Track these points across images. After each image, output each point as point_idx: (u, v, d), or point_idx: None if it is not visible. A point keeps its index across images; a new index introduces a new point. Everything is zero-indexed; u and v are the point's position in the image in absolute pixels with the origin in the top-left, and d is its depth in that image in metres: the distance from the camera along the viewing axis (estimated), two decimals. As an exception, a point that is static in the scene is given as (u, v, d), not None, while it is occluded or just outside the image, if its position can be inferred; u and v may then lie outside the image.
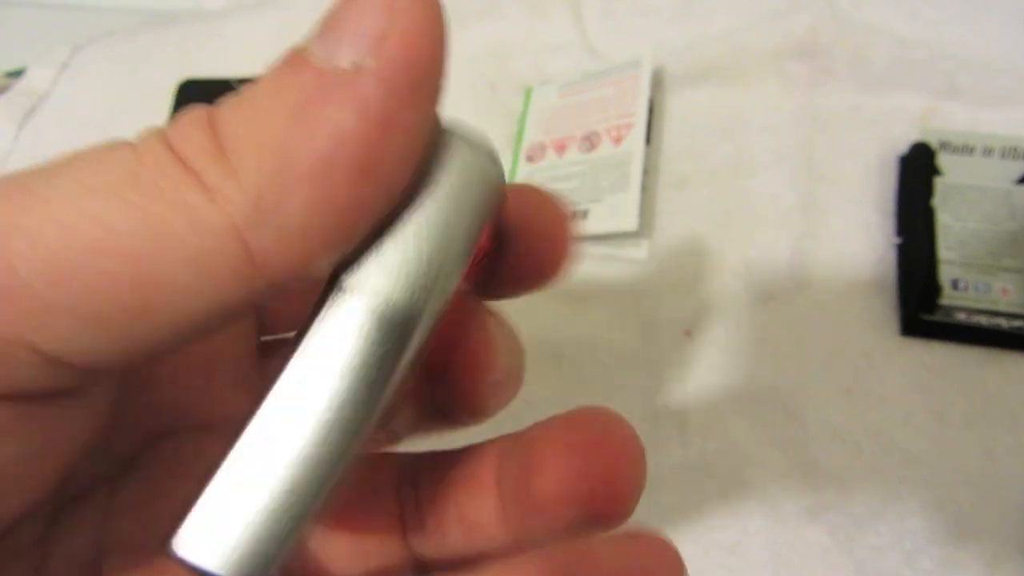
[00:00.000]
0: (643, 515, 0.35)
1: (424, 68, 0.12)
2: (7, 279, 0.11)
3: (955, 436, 0.35)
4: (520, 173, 0.43)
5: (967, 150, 0.39)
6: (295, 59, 0.12)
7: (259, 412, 0.13)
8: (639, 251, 0.40)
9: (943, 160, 0.39)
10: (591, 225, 0.39)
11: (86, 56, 0.53)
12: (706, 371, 0.37)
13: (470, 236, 0.14)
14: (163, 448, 0.18)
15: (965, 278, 0.36)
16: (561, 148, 0.43)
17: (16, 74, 0.53)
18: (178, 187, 0.11)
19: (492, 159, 0.15)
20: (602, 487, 0.17)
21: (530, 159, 0.44)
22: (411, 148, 0.13)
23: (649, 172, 0.42)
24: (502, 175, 0.15)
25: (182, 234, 0.11)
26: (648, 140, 0.42)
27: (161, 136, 0.12)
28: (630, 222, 0.38)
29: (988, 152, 0.39)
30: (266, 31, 0.52)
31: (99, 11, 0.57)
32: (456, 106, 0.48)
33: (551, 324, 0.39)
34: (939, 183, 0.38)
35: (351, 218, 0.12)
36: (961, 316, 0.35)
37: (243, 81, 0.49)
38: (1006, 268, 0.36)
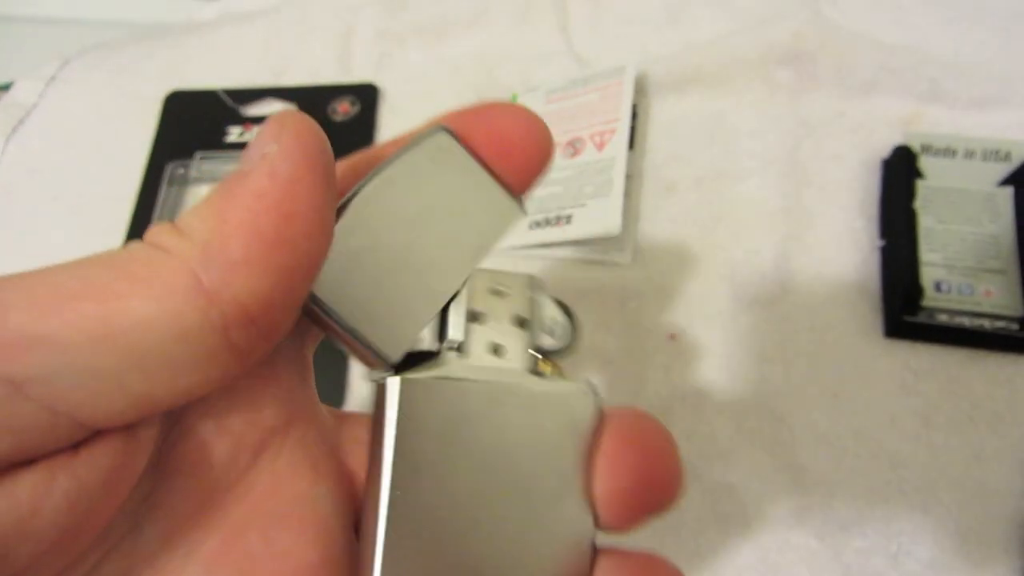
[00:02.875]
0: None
1: (314, 144, 0.16)
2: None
3: (941, 438, 0.35)
4: (505, 180, 0.43)
5: (949, 153, 0.39)
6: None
7: None
8: (623, 255, 0.40)
9: (925, 163, 0.39)
10: (575, 230, 0.39)
11: (74, 69, 0.53)
12: (691, 375, 0.37)
13: None
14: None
15: (948, 280, 0.36)
16: (546, 154, 0.43)
17: (3, 87, 0.53)
18: (147, 254, 0.15)
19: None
20: (659, 483, 0.18)
21: (515, 166, 0.44)
22: (316, 201, 0.16)
23: (633, 177, 0.42)
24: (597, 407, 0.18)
25: (146, 278, 0.14)
26: (632, 145, 0.42)
27: (140, 239, 0.15)
28: (613, 226, 0.38)
29: (970, 155, 0.39)
30: (254, 43, 0.53)
31: (88, 24, 0.58)
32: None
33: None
34: (921, 186, 0.38)
35: (281, 250, 0.15)
36: (944, 318, 0.35)
37: (230, 92, 0.49)
38: (989, 270, 0.36)
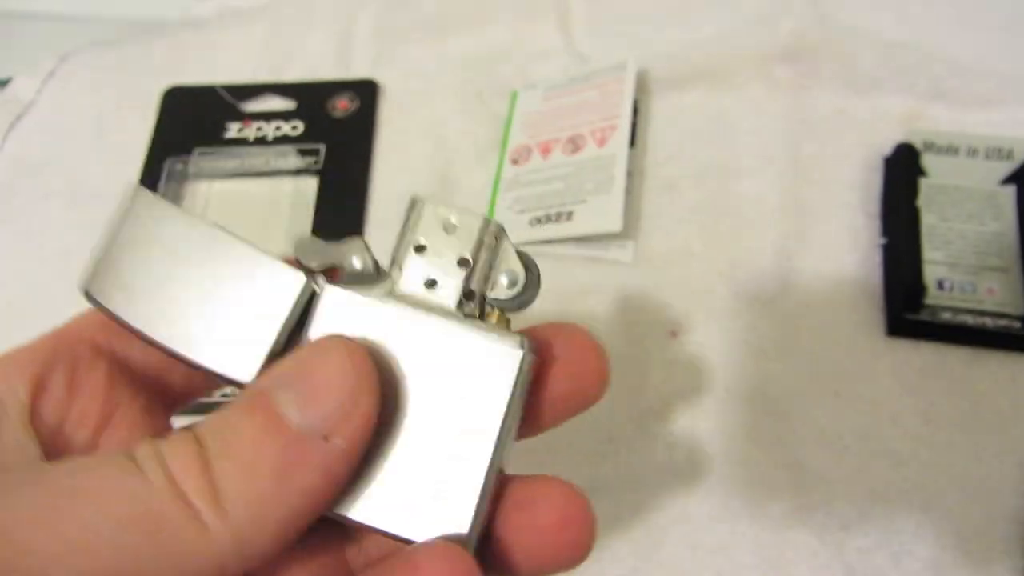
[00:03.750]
0: (629, 513, 0.34)
1: (369, 430, 0.17)
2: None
3: (942, 437, 0.34)
4: (505, 175, 0.43)
5: (951, 151, 0.39)
6: (272, 416, 0.16)
7: None
8: (624, 252, 0.40)
9: (928, 161, 0.39)
10: (576, 227, 0.39)
11: (72, 65, 0.53)
12: (692, 372, 0.37)
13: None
14: None
15: (951, 278, 0.36)
16: (546, 150, 0.43)
17: (2, 83, 0.53)
18: (182, 523, 0.15)
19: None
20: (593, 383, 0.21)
21: (515, 162, 0.43)
22: (342, 479, 0.17)
23: (634, 174, 0.42)
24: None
25: (177, 560, 0.15)
26: (633, 143, 0.42)
27: (164, 469, 0.15)
28: (614, 223, 0.38)
29: (972, 153, 0.39)
30: (252, 39, 0.52)
31: (87, 20, 0.57)
32: (444, 111, 0.48)
33: (536, 325, 0.39)
34: (924, 184, 0.38)
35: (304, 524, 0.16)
36: (947, 316, 0.35)
37: (229, 88, 0.49)
38: (991, 268, 0.36)
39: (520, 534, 0.19)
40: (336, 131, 0.47)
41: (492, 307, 0.20)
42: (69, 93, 0.52)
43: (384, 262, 0.20)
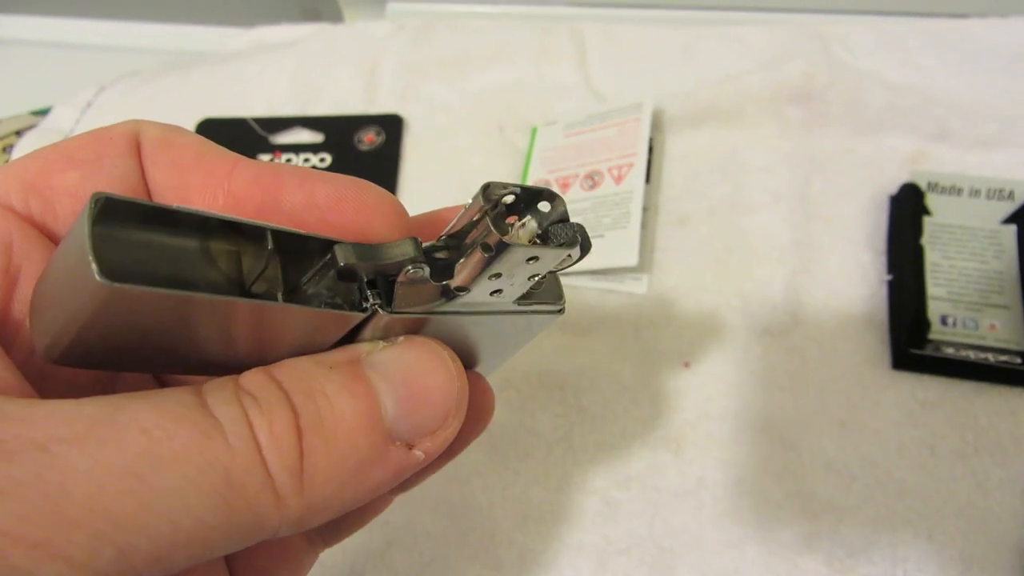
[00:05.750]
0: (644, 539, 0.36)
1: (445, 447, 0.17)
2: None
3: (947, 468, 0.36)
4: (525, 210, 0.45)
5: (955, 191, 0.41)
6: (374, 410, 0.16)
7: None
8: (639, 285, 0.41)
9: (932, 200, 0.40)
10: (593, 261, 0.41)
11: (110, 95, 0.55)
12: (704, 401, 0.38)
13: None
14: None
15: (954, 314, 0.37)
16: (564, 186, 0.45)
17: (42, 112, 0.55)
18: (257, 494, 0.14)
19: None
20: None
21: (535, 196, 0.45)
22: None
23: (649, 210, 0.44)
24: None
25: (246, 528, 0.15)
26: (648, 179, 0.44)
27: (250, 435, 0.15)
28: (630, 258, 0.40)
29: (975, 193, 0.40)
30: (283, 72, 0.55)
31: (126, 51, 0.60)
32: (466, 145, 0.50)
33: (554, 355, 0.40)
34: (928, 222, 0.40)
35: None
36: (950, 351, 0.36)
37: (259, 121, 0.51)
38: (993, 305, 0.37)
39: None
40: (362, 163, 0.49)
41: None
42: (106, 123, 0.54)
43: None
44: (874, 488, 0.35)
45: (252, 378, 0.16)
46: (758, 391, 0.38)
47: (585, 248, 0.17)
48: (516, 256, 0.17)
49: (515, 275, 0.18)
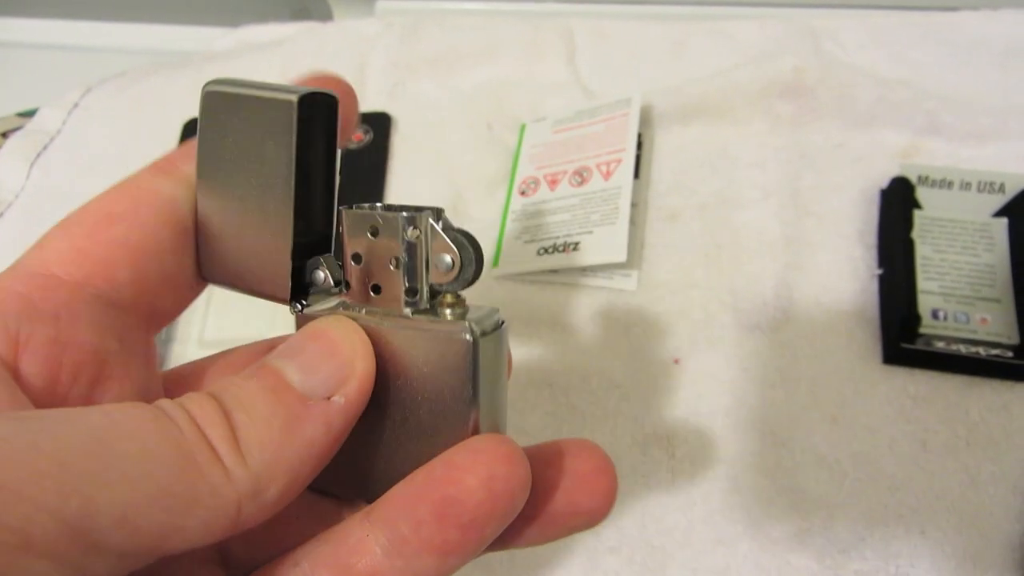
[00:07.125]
0: (635, 538, 0.35)
1: (367, 390, 0.19)
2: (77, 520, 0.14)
3: (938, 463, 0.35)
4: (513, 206, 0.45)
5: (945, 184, 0.40)
6: (279, 380, 0.18)
7: None
8: (629, 282, 0.41)
9: (922, 194, 0.40)
10: (582, 257, 0.40)
11: (97, 96, 0.55)
12: (695, 398, 0.38)
13: None
14: None
15: (945, 308, 0.37)
16: (553, 182, 0.44)
17: (28, 114, 0.55)
18: (208, 465, 0.16)
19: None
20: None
21: (523, 193, 0.45)
22: (342, 437, 0.19)
23: (638, 206, 0.43)
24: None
25: (203, 498, 0.16)
26: (637, 175, 0.43)
27: (190, 416, 0.17)
28: (619, 254, 0.40)
29: (966, 186, 0.40)
30: (271, 71, 0.54)
31: (112, 52, 0.59)
32: (455, 143, 0.49)
33: (542, 353, 0.40)
34: (919, 216, 0.39)
35: (308, 478, 0.18)
36: (941, 345, 0.36)
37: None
38: (984, 298, 0.37)
39: (558, 479, 0.20)
40: (350, 162, 0.48)
41: (441, 292, 0.20)
42: (93, 124, 0.54)
43: None
44: (866, 483, 0.35)
45: (187, 394, 0.18)
46: (749, 387, 0.38)
47: (420, 223, 0.19)
48: (351, 221, 0.20)
49: (375, 258, 0.20)
